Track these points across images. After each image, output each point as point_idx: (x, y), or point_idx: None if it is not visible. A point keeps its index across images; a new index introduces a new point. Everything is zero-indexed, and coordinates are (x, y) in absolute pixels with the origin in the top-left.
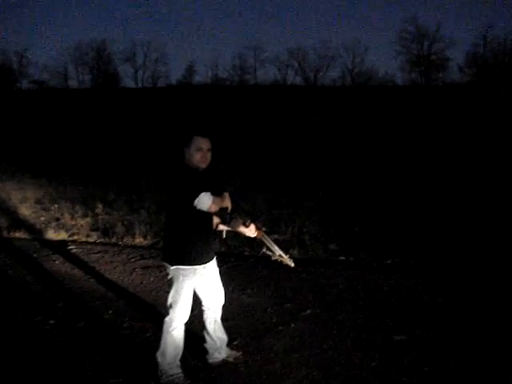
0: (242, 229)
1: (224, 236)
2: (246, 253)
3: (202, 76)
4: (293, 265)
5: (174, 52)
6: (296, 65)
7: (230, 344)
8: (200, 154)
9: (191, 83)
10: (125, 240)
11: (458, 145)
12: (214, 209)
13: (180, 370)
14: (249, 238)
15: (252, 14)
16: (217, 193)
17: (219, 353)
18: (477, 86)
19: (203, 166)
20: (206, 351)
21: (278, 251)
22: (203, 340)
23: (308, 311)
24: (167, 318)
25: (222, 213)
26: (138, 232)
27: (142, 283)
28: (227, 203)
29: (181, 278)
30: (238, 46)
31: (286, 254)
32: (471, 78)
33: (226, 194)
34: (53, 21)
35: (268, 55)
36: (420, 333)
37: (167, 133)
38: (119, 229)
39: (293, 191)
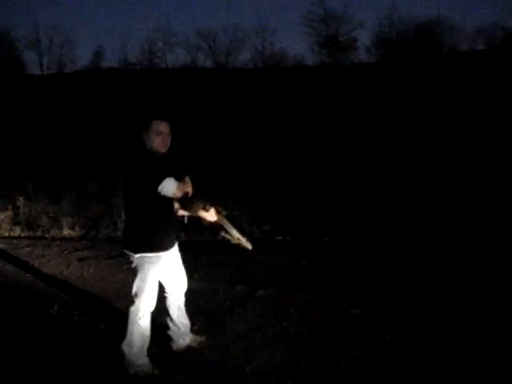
0: (203, 213)
1: (186, 221)
2: (182, 238)
3: (110, 61)
4: (250, 247)
5: (81, 37)
6: (206, 48)
7: (191, 329)
8: (160, 138)
9: (99, 68)
10: (52, 233)
11: (370, 122)
12: (179, 194)
13: (147, 359)
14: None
15: None
16: (178, 178)
17: (183, 339)
18: (384, 66)
19: (163, 150)
20: (169, 338)
21: (236, 235)
22: (166, 327)
23: (261, 292)
24: (133, 308)
25: (182, 198)
26: (64, 224)
27: (82, 275)
28: (189, 188)
29: (146, 266)
30: (147, 29)
31: (243, 237)
32: (378, 57)
33: (188, 179)
34: None
35: (177, 38)
36: (374, 304)
37: (77, 119)
38: (44, 221)
39: (218, 174)
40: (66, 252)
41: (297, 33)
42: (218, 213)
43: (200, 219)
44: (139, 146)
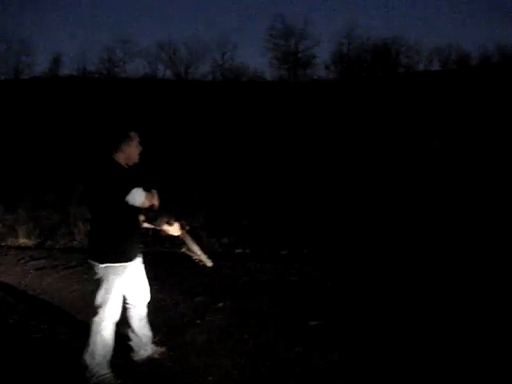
0: (166, 227)
1: (151, 233)
2: (141, 249)
3: (69, 68)
4: (210, 265)
5: (40, 43)
6: (166, 59)
7: (152, 340)
8: (138, 149)
9: (57, 75)
10: (8, 241)
11: (327, 138)
12: (147, 204)
13: (110, 370)
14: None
15: (121, 7)
16: (145, 189)
17: (145, 350)
18: (341, 83)
19: (138, 160)
20: (131, 349)
21: (197, 251)
22: (128, 338)
23: (220, 304)
24: (96, 318)
25: (148, 210)
26: (20, 232)
27: (41, 285)
28: (155, 201)
29: (111, 277)
30: (107, 38)
31: (204, 254)
32: (336, 75)
33: (155, 191)
34: None
35: (138, 49)
36: (332, 317)
37: (34, 126)
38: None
39: (176, 186)
40: (22, 261)
41: (257, 48)
42: (181, 228)
43: (161, 231)
44: (108, 157)
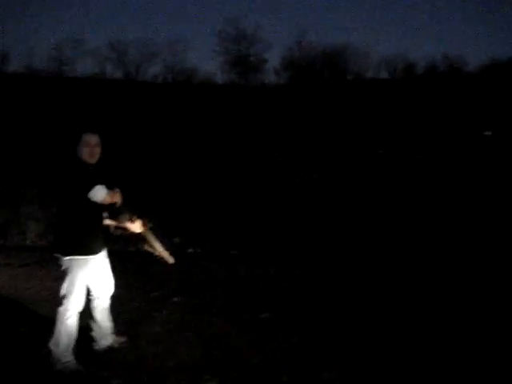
0: (128, 224)
1: (112, 230)
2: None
3: (16, 65)
4: (171, 261)
5: None
6: (116, 59)
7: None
8: (88, 149)
9: (3, 72)
10: None
11: (277, 142)
12: (108, 200)
13: (73, 357)
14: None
15: (71, 4)
16: (108, 187)
17: (106, 339)
18: (291, 88)
19: (92, 160)
20: (92, 339)
21: (159, 248)
22: (89, 328)
23: (175, 298)
24: (61, 308)
25: (110, 207)
26: None
27: None
28: (118, 198)
29: (75, 269)
30: (56, 36)
31: (166, 251)
32: (286, 80)
33: (117, 190)
34: None
35: (87, 48)
36: (281, 310)
37: None
38: None
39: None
40: None
41: (209, 51)
42: (143, 225)
43: (123, 229)
44: (72, 156)
